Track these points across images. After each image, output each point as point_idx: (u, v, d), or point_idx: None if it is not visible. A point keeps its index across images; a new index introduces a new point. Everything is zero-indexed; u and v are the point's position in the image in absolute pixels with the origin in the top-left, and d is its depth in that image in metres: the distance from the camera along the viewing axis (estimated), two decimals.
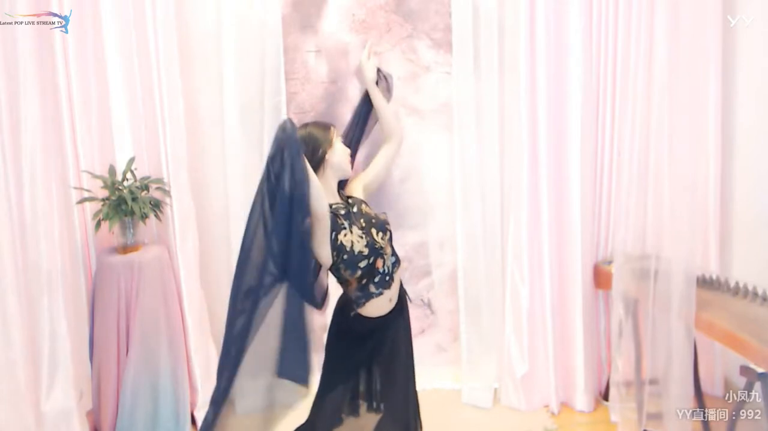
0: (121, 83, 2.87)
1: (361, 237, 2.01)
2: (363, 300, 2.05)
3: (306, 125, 2.08)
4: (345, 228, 2.00)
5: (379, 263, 2.03)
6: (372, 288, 2.03)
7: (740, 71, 2.93)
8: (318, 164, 2.02)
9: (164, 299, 2.86)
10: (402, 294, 2.17)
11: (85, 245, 2.94)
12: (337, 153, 2.07)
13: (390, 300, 2.08)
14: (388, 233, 2.08)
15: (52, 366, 2.73)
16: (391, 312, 2.10)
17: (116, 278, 2.77)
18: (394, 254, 2.11)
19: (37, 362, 2.70)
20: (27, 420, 2.62)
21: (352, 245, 1.98)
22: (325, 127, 2.09)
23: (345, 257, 1.98)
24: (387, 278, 2.05)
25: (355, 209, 2.08)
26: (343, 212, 2.05)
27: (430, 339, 3.38)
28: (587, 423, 3.01)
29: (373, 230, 2.04)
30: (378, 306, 2.06)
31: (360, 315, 2.07)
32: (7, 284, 2.56)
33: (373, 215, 2.10)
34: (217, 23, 3.01)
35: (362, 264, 1.99)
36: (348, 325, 2.10)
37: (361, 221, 2.06)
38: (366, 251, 1.99)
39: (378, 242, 2.03)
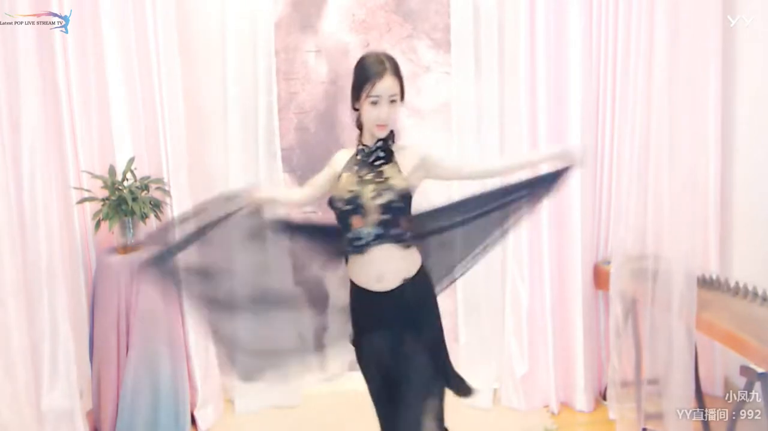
0: (121, 83, 2.86)
1: (352, 184, 1.97)
2: (349, 250, 2.00)
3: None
4: (348, 171, 2.01)
5: (356, 221, 1.95)
6: (347, 242, 1.99)
7: (740, 71, 2.93)
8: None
9: (164, 299, 2.86)
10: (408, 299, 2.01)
11: (85, 245, 2.94)
12: (366, 113, 1.97)
13: (376, 279, 1.97)
14: (384, 201, 1.93)
15: (52, 366, 2.73)
16: (383, 300, 1.98)
17: (116, 278, 2.76)
18: (382, 229, 1.95)
19: (37, 362, 2.70)
20: (27, 420, 2.62)
21: (343, 185, 1.98)
22: (374, 70, 1.95)
23: (335, 192, 2.00)
24: (362, 243, 1.96)
25: (370, 160, 1.99)
26: (357, 157, 2.02)
27: None
28: (587, 422, 3.01)
29: (368, 188, 1.95)
30: (362, 272, 1.99)
31: (352, 283, 2.03)
32: (7, 284, 2.56)
33: (384, 178, 1.96)
34: (217, 23, 3.01)
35: (339, 205, 1.97)
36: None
37: (365, 173, 1.98)
38: (347, 196, 1.95)
39: (363, 199, 1.93)
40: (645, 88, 2.73)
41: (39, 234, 2.66)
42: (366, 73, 1.95)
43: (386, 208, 1.93)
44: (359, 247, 1.96)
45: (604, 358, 3.15)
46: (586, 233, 3.00)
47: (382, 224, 1.95)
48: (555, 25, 2.91)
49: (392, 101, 1.96)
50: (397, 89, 1.96)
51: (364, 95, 1.94)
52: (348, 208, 1.95)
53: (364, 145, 2.02)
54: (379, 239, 1.96)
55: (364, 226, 1.95)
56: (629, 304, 2.77)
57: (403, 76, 1.99)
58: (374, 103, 1.94)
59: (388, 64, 1.95)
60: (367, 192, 1.94)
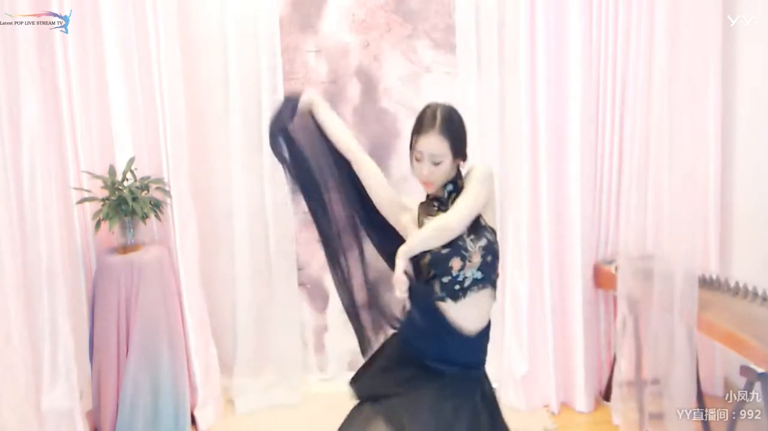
0: (121, 83, 2.86)
1: None
2: (440, 296, 1.81)
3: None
4: (431, 215, 1.84)
5: (456, 263, 1.77)
6: (437, 288, 1.79)
7: (740, 71, 2.93)
8: None
9: (164, 299, 2.86)
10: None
11: (85, 245, 2.94)
12: (413, 164, 1.83)
13: (470, 321, 1.82)
14: (485, 242, 1.79)
15: (52, 366, 2.73)
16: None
17: (116, 278, 2.77)
18: (483, 274, 1.80)
19: (37, 362, 2.70)
20: (27, 420, 2.61)
21: None
22: (423, 123, 1.81)
23: None
24: (457, 287, 1.79)
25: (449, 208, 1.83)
26: (434, 204, 1.86)
27: None
28: (587, 423, 3.01)
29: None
30: (451, 316, 1.81)
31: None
32: (7, 285, 2.55)
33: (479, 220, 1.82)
34: (218, 23, 3.02)
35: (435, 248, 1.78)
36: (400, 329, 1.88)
37: None
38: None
39: (465, 242, 1.77)
40: (645, 88, 2.73)
41: (39, 234, 2.66)
42: (417, 123, 1.82)
43: (486, 249, 1.79)
44: (457, 292, 1.79)
45: (604, 358, 3.15)
46: (586, 233, 2.99)
47: (482, 267, 1.80)
48: (555, 25, 2.91)
49: (435, 164, 1.78)
50: (442, 150, 1.77)
51: (411, 146, 1.82)
52: (447, 251, 1.77)
53: (434, 196, 1.86)
54: (478, 283, 1.81)
55: (464, 268, 1.78)
56: (632, 304, 2.77)
57: (459, 135, 1.81)
58: (418, 159, 1.80)
59: (439, 121, 1.78)
60: (466, 233, 1.78)
